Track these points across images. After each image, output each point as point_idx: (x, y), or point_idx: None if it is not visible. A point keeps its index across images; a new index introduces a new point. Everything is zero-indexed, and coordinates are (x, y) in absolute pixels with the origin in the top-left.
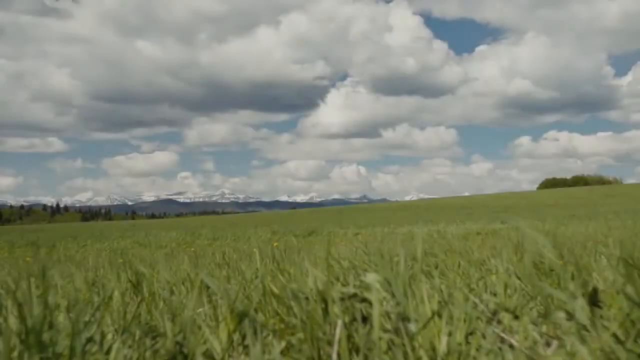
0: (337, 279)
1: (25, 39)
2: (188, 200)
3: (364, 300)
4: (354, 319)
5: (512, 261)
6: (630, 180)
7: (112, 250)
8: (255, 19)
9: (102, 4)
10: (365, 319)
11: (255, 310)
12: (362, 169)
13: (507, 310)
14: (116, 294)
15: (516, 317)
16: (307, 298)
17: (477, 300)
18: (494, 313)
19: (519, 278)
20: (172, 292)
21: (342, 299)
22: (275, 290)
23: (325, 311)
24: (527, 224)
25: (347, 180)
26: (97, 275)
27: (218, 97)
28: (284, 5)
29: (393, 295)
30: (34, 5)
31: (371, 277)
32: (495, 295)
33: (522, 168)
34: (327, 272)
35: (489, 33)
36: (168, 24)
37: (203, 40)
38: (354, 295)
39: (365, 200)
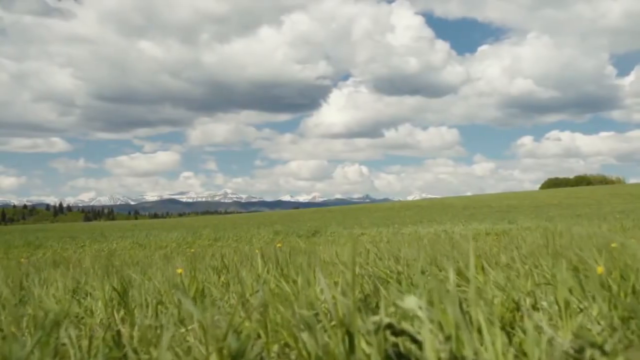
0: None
1: (28, 39)
2: (191, 200)
3: (402, 332)
4: (386, 357)
5: (544, 267)
6: (633, 180)
7: (110, 251)
8: (257, 19)
9: (104, 4)
10: (403, 357)
11: (259, 336)
12: (365, 169)
13: (593, 345)
14: (100, 305)
15: (604, 354)
16: (317, 314)
17: (551, 332)
18: (580, 350)
19: (570, 292)
20: (160, 303)
21: (373, 331)
22: (280, 308)
23: (351, 347)
24: (536, 224)
25: (349, 180)
26: (81, 281)
27: (221, 97)
28: (286, 5)
29: (440, 326)
30: (37, 6)
31: (412, 302)
32: (557, 318)
33: (524, 168)
34: (352, 293)
35: (491, 33)
36: (170, 24)
37: (205, 40)
38: (389, 326)
39: (368, 200)
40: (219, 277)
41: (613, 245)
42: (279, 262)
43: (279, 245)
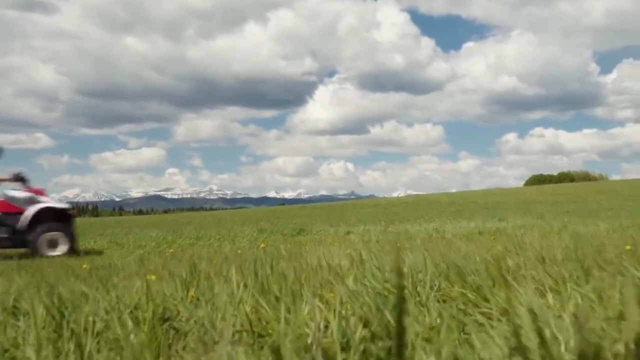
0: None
1: (10, 34)
2: (176, 197)
3: None
4: None
5: (575, 278)
6: (615, 177)
7: (85, 251)
8: (242, 15)
9: None
10: None
11: None
12: (350, 165)
13: None
14: (32, 336)
15: None
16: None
17: None
18: None
19: None
20: (106, 328)
21: None
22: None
23: None
24: (529, 222)
25: (335, 176)
26: (18, 299)
27: (206, 93)
28: (272, 1)
29: None
30: (20, 0)
31: None
32: None
33: (508, 164)
34: None
35: (476, 30)
36: (155, 20)
37: (190, 36)
38: None
39: (353, 197)
40: (188, 290)
41: (627, 247)
42: (259, 277)
43: (262, 246)
